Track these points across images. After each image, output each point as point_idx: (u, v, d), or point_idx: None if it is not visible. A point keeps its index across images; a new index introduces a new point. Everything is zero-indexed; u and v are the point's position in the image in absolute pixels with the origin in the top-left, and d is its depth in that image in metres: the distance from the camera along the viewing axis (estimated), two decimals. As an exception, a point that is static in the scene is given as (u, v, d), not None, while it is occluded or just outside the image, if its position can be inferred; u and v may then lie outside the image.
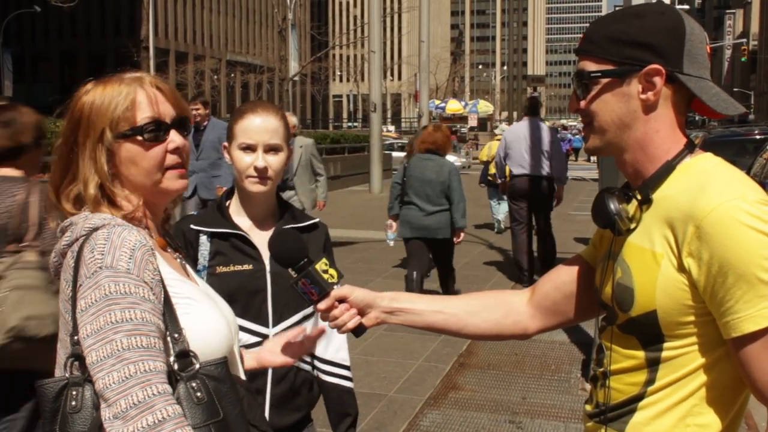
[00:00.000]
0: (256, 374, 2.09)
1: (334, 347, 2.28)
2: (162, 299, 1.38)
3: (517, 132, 8.25)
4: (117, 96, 1.45)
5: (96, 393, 1.29)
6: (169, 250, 1.58)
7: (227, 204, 2.21)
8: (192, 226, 2.14)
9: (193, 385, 1.35)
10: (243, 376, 1.61)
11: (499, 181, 8.82)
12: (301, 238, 1.68)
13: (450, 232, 6.61)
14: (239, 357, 1.62)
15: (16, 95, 46.83)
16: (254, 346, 2.08)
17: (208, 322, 1.47)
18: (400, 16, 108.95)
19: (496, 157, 8.63)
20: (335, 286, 1.62)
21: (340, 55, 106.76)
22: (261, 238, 2.11)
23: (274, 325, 2.14)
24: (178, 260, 1.59)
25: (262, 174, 2.10)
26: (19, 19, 53.35)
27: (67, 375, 1.37)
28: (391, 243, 7.74)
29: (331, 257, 2.29)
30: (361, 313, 1.65)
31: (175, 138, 1.51)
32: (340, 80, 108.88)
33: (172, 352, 1.36)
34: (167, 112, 1.50)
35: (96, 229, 1.38)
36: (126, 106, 1.45)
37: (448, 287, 6.94)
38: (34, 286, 2.70)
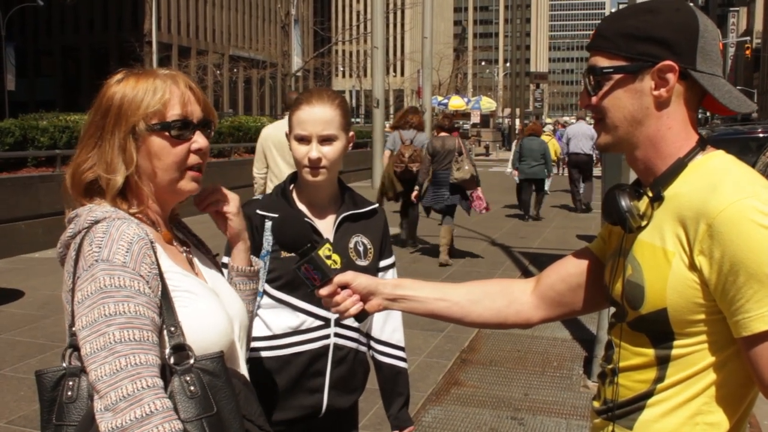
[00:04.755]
0: (317, 356, 2.15)
1: (390, 328, 2.35)
2: (159, 292, 1.39)
3: (575, 128, 15.37)
4: (151, 90, 1.47)
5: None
6: (176, 244, 1.59)
7: (291, 189, 2.24)
8: (258, 211, 2.17)
9: (187, 378, 1.36)
10: (244, 371, 1.61)
11: (562, 157, 16.33)
12: (304, 224, 1.69)
13: (545, 174, 13.88)
14: (241, 352, 1.62)
15: (19, 89, 46.80)
16: (317, 329, 2.15)
17: (207, 317, 1.47)
18: (403, 12, 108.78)
19: (562, 143, 16.20)
20: (338, 272, 1.62)
21: (343, 51, 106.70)
22: (323, 224, 2.18)
23: None
24: (184, 254, 1.59)
25: (314, 165, 2.12)
26: (22, 13, 53.34)
27: (65, 365, 1.40)
28: (517, 180, 14.22)
29: (389, 243, 2.34)
30: (364, 299, 1.65)
31: (199, 139, 1.53)
32: (343, 76, 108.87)
33: (167, 345, 1.37)
34: (195, 112, 1.53)
35: (97, 221, 1.40)
36: (159, 101, 1.47)
37: (539, 208, 14.23)
38: None
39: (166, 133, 1.48)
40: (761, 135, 12.18)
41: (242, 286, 1.78)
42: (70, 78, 63.76)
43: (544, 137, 15.23)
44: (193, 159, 1.52)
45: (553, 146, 16.50)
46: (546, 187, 14.68)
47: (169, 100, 1.48)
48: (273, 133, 6.54)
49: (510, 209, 15.47)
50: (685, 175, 1.37)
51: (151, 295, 1.36)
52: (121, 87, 1.49)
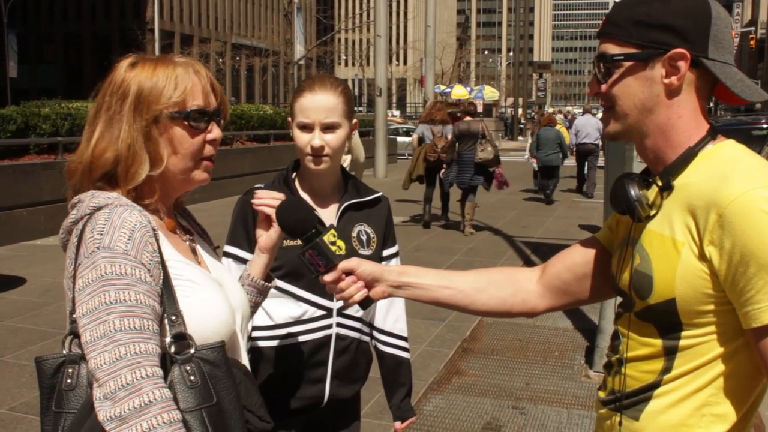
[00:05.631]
0: (319, 346, 2.14)
1: (393, 318, 2.34)
2: (161, 281, 1.38)
3: (584, 120, 16.81)
4: (172, 78, 1.46)
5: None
6: (179, 232, 1.58)
7: (293, 177, 2.22)
8: None
9: (188, 368, 1.35)
10: (245, 361, 1.60)
11: (572, 146, 17.04)
12: (309, 209, 1.66)
13: (559, 161, 15.09)
14: (242, 342, 1.61)
15: (21, 77, 46.67)
16: (319, 319, 2.14)
17: (209, 306, 1.46)
18: (406, 0, 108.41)
19: (571, 133, 17.21)
20: (342, 259, 1.60)
21: (346, 39, 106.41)
22: (325, 213, 2.16)
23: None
24: (187, 243, 1.58)
25: (317, 153, 2.10)
26: (24, 0, 53.16)
27: (65, 352, 1.40)
28: (535, 166, 15.87)
29: (393, 232, 2.32)
30: (369, 286, 1.64)
31: (214, 129, 1.53)
32: (346, 64, 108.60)
33: (168, 334, 1.36)
34: (212, 102, 1.53)
35: (99, 208, 1.39)
36: (181, 90, 1.46)
37: (549, 193, 15.14)
38: None
39: (185, 123, 1.47)
40: (765, 126, 12.16)
41: (250, 297, 1.79)
42: (73, 65, 63.60)
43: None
44: (209, 149, 1.53)
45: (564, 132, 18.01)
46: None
47: (191, 90, 1.48)
48: None
49: (513, 196, 15.82)
50: (695, 164, 1.35)
51: (153, 284, 1.35)
52: (137, 73, 1.47)
